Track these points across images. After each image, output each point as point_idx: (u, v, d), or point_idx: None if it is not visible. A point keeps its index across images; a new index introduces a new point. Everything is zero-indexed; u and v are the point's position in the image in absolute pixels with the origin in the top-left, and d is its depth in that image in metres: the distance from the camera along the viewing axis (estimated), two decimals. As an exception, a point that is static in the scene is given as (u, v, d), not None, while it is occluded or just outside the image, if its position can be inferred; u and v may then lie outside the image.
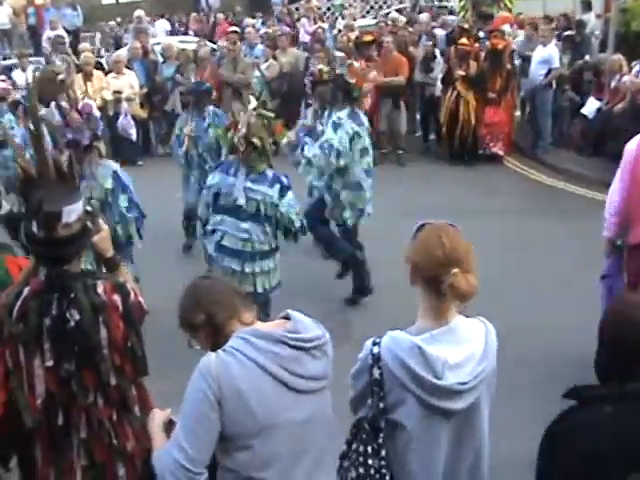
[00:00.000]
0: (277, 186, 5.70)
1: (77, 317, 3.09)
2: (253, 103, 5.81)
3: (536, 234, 9.32)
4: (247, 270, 5.80)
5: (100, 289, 3.19)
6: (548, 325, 6.79)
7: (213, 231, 5.87)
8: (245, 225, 5.71)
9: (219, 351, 2.73)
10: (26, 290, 3.16)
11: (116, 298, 3.21)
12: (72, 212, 3.13)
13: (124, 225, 6.01)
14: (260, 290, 5.87)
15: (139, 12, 17.37)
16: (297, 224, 5.79)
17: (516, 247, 8.70)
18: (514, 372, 5.85)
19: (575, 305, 6.96)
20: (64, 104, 6.30)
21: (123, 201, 5.69)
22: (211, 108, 8.74)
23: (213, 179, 5.85)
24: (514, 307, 7.01)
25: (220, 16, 21.19)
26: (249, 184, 5.67)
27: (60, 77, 9.19)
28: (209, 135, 8.46)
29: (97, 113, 6.74)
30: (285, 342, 2.75)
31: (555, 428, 2.54)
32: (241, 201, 5.66)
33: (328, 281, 7.64)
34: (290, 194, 5.75)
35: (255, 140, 5.63)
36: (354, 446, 2.89)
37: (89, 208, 3.38)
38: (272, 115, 6.05)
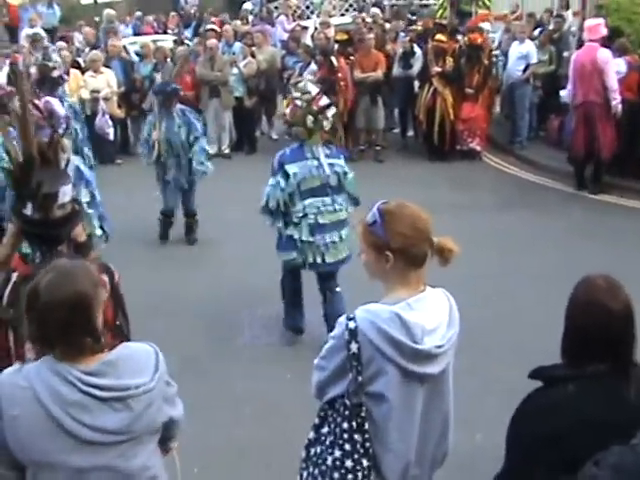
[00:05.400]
0: (342, 157, 6.41)
1: None
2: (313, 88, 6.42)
3: (514, 228, 9.40)
4: (344, 237, 6.26)
5: None
6: (524, 316, 6.86)
7: (300, 218, 6.18)
8: (335, 197, 6.22)
9: (17, 368, 2.58)
10: (14, 275, 3.17)
11: (104, 278, 3.24)
12: (66, 193, 3.21)
13: (85, 221, 5.96)
14: (350, 253, 6.22)
15: (109, 11, 17.30)
16: (357, 192, 6.38)
17: (495, 241, 8.75)
18: (486, 364, 5.90)
19: (554, 297, 6.99)
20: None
21: (85, 195, 5.66)
22: (179, 107, 8.70)
23: (291, 169, 6.10)
24: (493, 299, 7.08)
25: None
26: (329, 160, 6.21)
27: (56, 72, 9.19)
28: (180, 135, 8.48)
29: (61, 111, 6.73)
30: (75, 385, 2.48)
31: (522, 408, 2.61)
32: (331, 177, 6.17)
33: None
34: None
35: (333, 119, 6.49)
36: (326, 429, 2.91)
37: None
38: None
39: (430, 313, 2.82)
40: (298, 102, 6.29)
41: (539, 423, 2.47)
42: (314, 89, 6.42)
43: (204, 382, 5.87)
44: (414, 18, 17.50)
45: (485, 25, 14.61)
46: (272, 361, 6.35)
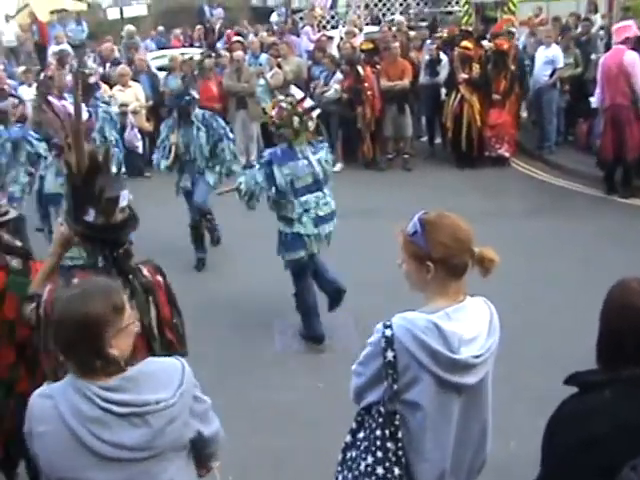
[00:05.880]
0: (324, 147, 6.81)
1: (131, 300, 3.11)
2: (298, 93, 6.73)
3: (544, 234, 9.34)
4: (336, 227, 6.68)
5: (145, 271, 3.33)
6: (553, 323, 6.82)
7: (300, 214, 6.48)
8: (325, 191, 6.61)
9: (47, 387, 2.62)
10: (75, 282, 3.18)
11: (159, 278, 3.35)
12: (124, 197, 3.30)
13: None
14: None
15: (129, 27, 17.53)
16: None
17: (524, 247, 8.70)
18: (516, 371, 5.85)
19: (583, 302, 6.95)
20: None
21: None
22: (198, 111, 8.64)
23: (283, 171, 6.41)
24: (522, 305, 7.03)
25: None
26: (316, 156, 6.55)
27: (92, 79, 9.27)
28: (200, 138, 8.47)
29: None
30: (94, 402, 2.49)
31: (558, 414, 2.60)
32: (320, 174, 6.51)
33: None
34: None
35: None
36: (362, 434, 2.92)
37: None
38: None
39: (469, 323, 2.83)
40: (283, 104, 6.60)
41: (576, 429, 2.46)
42: (298, 93, 6.71)
43: (236, 391, 5.89)
44: (424, 24, 17.58)
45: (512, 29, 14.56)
46: (304, 370, 6.37)
